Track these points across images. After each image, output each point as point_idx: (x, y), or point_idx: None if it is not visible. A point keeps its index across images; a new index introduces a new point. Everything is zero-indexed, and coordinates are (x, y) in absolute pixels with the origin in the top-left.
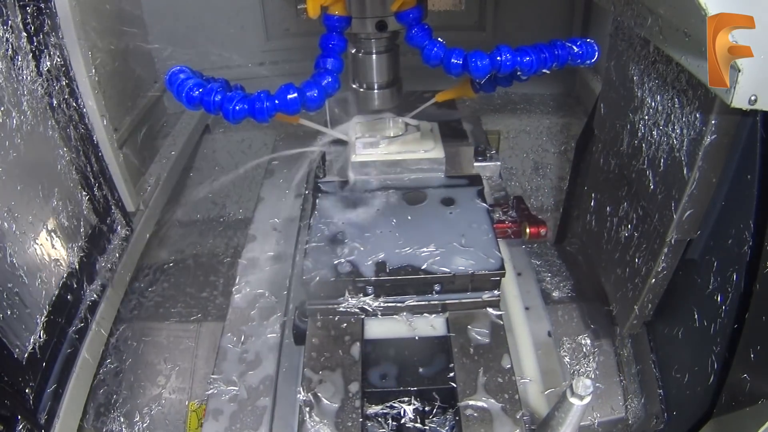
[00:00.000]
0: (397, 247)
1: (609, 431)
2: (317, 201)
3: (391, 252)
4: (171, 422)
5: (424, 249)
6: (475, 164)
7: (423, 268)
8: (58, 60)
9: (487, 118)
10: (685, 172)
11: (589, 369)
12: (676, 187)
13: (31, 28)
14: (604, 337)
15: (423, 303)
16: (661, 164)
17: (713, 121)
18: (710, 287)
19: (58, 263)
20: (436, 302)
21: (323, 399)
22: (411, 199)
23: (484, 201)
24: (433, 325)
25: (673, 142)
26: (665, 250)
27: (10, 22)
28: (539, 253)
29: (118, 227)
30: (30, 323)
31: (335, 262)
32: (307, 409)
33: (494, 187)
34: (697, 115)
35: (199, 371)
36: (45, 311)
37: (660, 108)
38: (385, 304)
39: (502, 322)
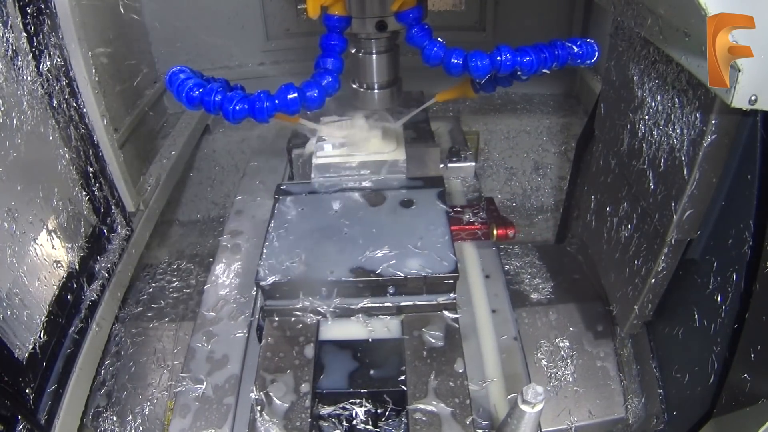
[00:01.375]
0: (353, 249)
1: (609, 431)
2: (276, 203)
3: (347, 254)
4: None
5: (380, 251)
6: (450, 165)
7: (377, 270)
8: (58, 60)
9: (488, 118)
10: (685, 172)
11: (566, 372)
12: (676, 187)
13: (31, 28)
14: (604, 336)
15: (378, 305)
16: (662, 164)
17: (713, 121)
18: (710, 287)
19: (58, 263)
20: (390, 304)
21: (275, 398)
22: (370, 201)
23: (444, 203)
24: (388, 328)
25: (673, 142)
26: (665, 250)
27: (10, 22)
28: (520, 255)
29: (118, 227)
30: (30, 323)
31: (291, 264)
32: (258, 408)
33: (469, 188)
34: (698, 115)
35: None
36: (45, 311)
37: (660, 108)
38: (340, 306)
39: (457, 326)
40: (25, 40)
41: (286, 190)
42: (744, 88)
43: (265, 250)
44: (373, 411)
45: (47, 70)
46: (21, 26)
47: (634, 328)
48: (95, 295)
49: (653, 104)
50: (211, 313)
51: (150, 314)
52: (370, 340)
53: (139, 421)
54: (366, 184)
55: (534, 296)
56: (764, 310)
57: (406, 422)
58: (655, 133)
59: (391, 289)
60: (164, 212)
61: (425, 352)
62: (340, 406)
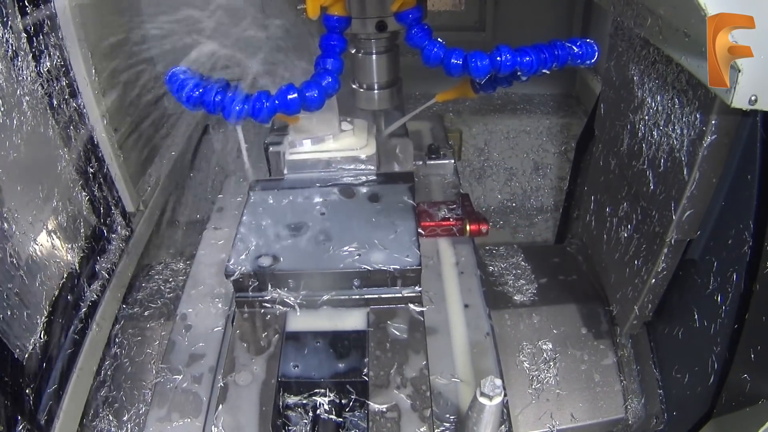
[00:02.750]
0: (320, 243)
1: (609, 431)
2: (248, 197)
3: (314, 247)
4: None
5: (347, 245)
6: (429, 162)
7: (343, 263)
8: (58, 60)
9: (488, 119)
10: (685, 172)
11: (549, 375)
12: (676, 187)
13: (30, 28)
14: (604, 336)
15: (343, 297)
16: (661, 164)
17: (713, 122)
18: (710, 287)
19: (58, 264)
20: (357, 297)
21: (241, 386)
22: (339, 196)
23: (412, 198)
24: (353, 320)
25: (673, 142)
26: (665, 250)
27: (9, 22)
28: (505, 256)
29: (118, 227)
30: (30, 324)
31: (258, 256)
32: (225, 395)
33: (447, 184)
34: (697, 116)
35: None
36: (45, 312)
37: (660, 108)
38: (307, 298)
39: (422, 319)
40: (25, 41)
41: (259, 185)
42: (744, 88)
43: (235, 244)
44: (338, 401)
45: (47, 70)
46: (21, 26)
47: (634, 328)
48: (95, 296)
49: (653, 104)
50: (189, 310)
51: (147, 314)
52: (335, 331)
53: (137, 421)
54: (336, 179)
55: (517, 298)
56: (764, 311)
57: (366, 414)
58: (654, 133)
59: (356, 282)
60: (164, 213)
61: (389, 344)
62: (305, 395)
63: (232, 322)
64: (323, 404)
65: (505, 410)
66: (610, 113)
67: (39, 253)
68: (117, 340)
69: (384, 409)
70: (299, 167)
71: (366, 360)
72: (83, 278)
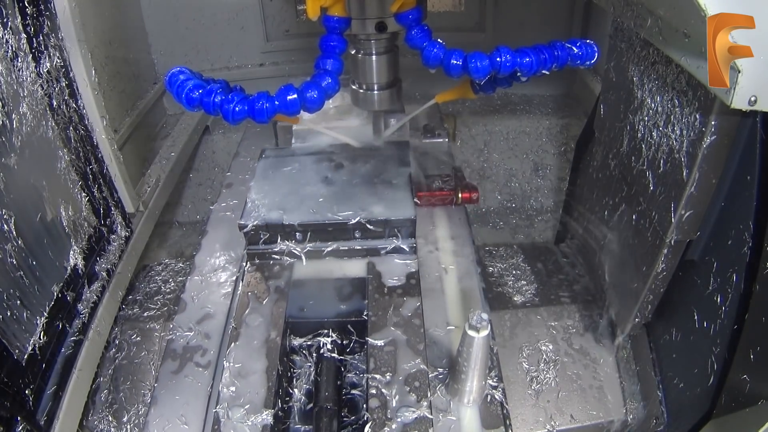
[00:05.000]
0: (324, 199)
1: None
2: (259, 161)
3: (319, 203)
4: None
5: (349, 201)
6: (424, 141)
7: (345, 216)
8: (58, 61)
9: (488, 119)
10: (684, 173)
11: (548, 376)
12: (675, 188)
13: (30, 29)
14: (604, 337)
15: (346, 248)
16: (661, 165)
17: (713, 122)
18: (710, 288)
19: (58, 264)
20: (358, 247)
21: (251, 326)
22: (342, 161)
23: (407, 162)
24: (354, 268)
25: (672, 143)
26: (665, 251)
27: (9, 23)
28: (504, 257)
29: (118, 228)
30: (30, 325)
31: (269, 212)
32: (236, 334)
33: (442, 162)
34: (697, 116)
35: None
36: (45, 313)
37: (660, 109)
38: (312, 249)
39: (416, 269)
40: (25, 41)
41: (269, 153)
42: (744, 89)
43: (247, 201)
44: (339, 342)
45: (47, 71)
46: (21, 27)
47: (634, 329)
48: (95, 296)
49: (653, 105)
50: (196, 278)
51: (146, 314)
52: (337, 278)
53: (136, 422)
54: (340, 146)
55: (517, 298)
56: (764, 311)
57: (365, 348)
58: (654, 134)
59: (357, 234)
60: (164, 213)
61: (386, 289)
62: (309, 337)
63: (242, 280)
64: (326, 344)
65: (494, 353)
66: (609, 114)
67: (39, 254)
68: (116, 341)
69: (382, 344)
70: (305, 136)
71: (366, 302)
72: (83, 279)
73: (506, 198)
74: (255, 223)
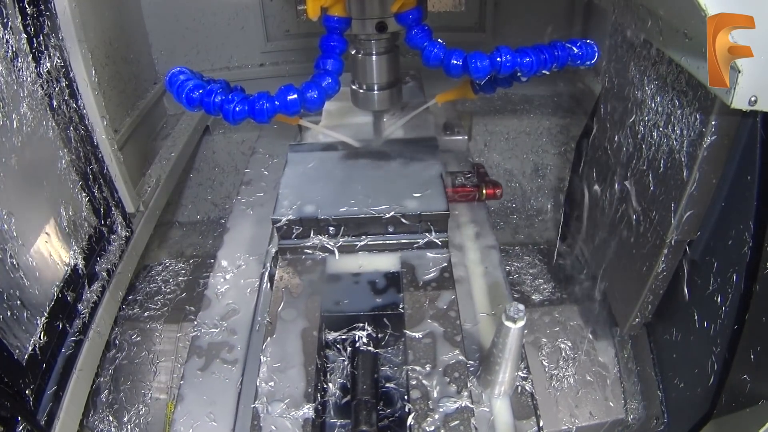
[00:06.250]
0: (356, 194)
1: None
2: (288, 155)
3: (351, 197)
4: (161, 423)
5: (382, 195)
6: (444, 138)
7: (378, 210)
8: (58, 61)
9: (488, 120)
10: (685, 173)
11: (567, 373)
12: (676, 188)
13: (30, 29)
14: (604, 337)
15: (379, 242)
16: (661, 165)
17: (713, 122)
18: (710, 288)
19: (58, 264)
20: (391, 241)
21: (287, 320)
22: (373, 155)
23: (437, 156)
24: (388, 262)
25: (673, 143)
26: (665, 251)
27: (9, 23)
28: (519, 255)
29: (118, 228)
30: (30, 325)
31: (301, 206)
32: (272, 329)
33: (461, 158)
34: (697, 116)
35: (178, 371)
36: (45, 313)
37: (660, 109)
38: (344, 243)
39: (449, 262)
40: (25, 42)
41: (296, 147)
42: (744, 89)
43: (279, 196)
44: (374, 335)
45: (47, 71)
46: (21, 27)
47: (634, 329)
48: (95, 297)
49: (653, 105)
50: (219, 274)
51: (146, 314)
52: (371, 272)
53: (136, 421)
54: (369, 141)
55: (535, 297)
56: (764, 311)
57: (403, 341)
58: (654, 134)
59: (390, 228)
60: (164, 213)
61: (421, 282)
62: (344, 330)
63: (269, 277)
64: (362, 338)
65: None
66: (610, 114)
67: (39, 254)
68: (117, 341)
69: (420, 336)
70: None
71: (401, 295)
72: (83, 280)
73: (506, 198)
74: (289, 217)
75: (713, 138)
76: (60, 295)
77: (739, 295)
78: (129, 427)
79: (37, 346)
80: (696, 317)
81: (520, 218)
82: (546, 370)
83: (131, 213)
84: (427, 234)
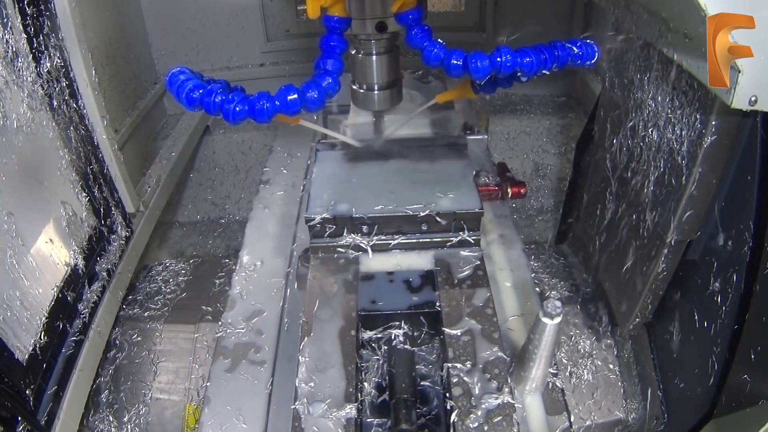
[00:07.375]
0: (389, 192)
1: None
2: (317, 154)
3: (384, 196)
4: (161, 423)
5: (414, 193)
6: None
7: (412, 208)
8: (58, 61)
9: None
10: (685, 173)
11: (566, 374)
12: (676, 188)
13: (30, 29)
14: (604, 337)
15: (413, 241)
16: (661, 165)
17: (713, 122)
18: (710, 288)
19: (58, 265)
20: (425, 240)
21: (323, 320)
22: (402, 155)
23: (466, 158)
24: (422, 261)
25: (672, 143)
26: (665, 251)
27: (9, 23)
28: (536, 254)
29: (118, 228)
30: (30, 325)
31: (334, 205)
32: (308, 328)
33: (482, 157)
34: (697, 116)
35: (196, 372)
36: (45, 313)
37: (660, 109)
38: (378, 242)
39: (482, 261)
40: (25, 42)
41: (323, 146)
42: (744, 89)
43: (311, 195)
44: (410, 334)
45: (47, 71)
46: (21, 27)
47: (634, 328)
48: (95, 297)
49: (653, 105)
50: (243, 274)
51: (146, 314)
52: (406, 270)
53: (136, 422)
54: (397, 140)
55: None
56: (764, 311)
57: (441, 339)
58: (654, 134)
59: (424, 227)
60: (164, 213)
61: (456, 280)
62: (381, 329)
63: (297, 276)
64: (398, 336)
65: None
66: (610, 114)
67: (39, 254)
68: (117, 341)
69: (459, 333)
70: (359, 130)
71: (436, 293)
72: (83, 280)
73: None
74: (323, 215)
75: (713, 138)
76: (60, 295)
77: (739, 295)
78: (129, 427)
79: (38, 346)
80: (696, 317)
81: (520, 218)
82: (583, 365)
83: (131, 213)
84: (460, 233)
